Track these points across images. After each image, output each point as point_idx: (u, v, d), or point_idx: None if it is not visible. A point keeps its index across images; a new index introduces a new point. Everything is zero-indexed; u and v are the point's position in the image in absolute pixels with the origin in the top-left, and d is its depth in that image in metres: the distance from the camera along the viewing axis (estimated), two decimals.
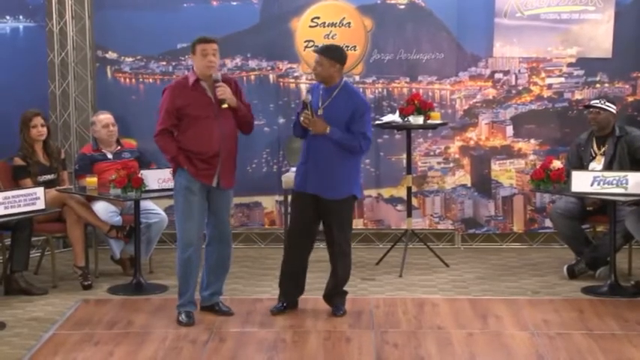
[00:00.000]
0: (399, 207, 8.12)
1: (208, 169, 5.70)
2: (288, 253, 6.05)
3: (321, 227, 5.99)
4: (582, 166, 7.01)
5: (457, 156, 8.18)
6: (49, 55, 8.07)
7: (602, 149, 7.02)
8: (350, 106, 5.77)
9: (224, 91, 5.66)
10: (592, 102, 7.10)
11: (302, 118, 5.75)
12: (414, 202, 7.97)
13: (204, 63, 5.65)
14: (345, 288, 6.09)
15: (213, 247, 5.92)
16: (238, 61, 8.15)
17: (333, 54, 5.82)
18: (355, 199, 5.94)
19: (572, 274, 6.99)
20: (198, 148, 5.67)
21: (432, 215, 8.22)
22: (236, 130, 5.83)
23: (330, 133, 5.73)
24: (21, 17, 7.85)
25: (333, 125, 5.73)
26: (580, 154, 7.13)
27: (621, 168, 6.82)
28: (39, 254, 7.50)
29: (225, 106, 5.66)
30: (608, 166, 6.91)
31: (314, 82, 6.07)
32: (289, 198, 7.33)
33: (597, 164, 7.00)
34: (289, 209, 6.16)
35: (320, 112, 5.78)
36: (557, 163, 6.76)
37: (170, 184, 6.75)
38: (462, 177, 8.19)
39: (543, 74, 8.04)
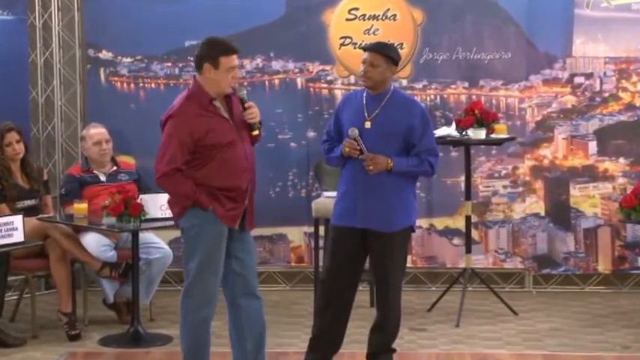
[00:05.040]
0: (456, 241, 8.09)
1: (235, 209, 5.38)
2: (325, 305, 5.87)
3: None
4: None
5: (528, 178, 8.14)
6: (30, 55, 8.13)
7: None
8: (407, 117, 5.72)
9: (256, 114, 5.41)
10: None
11: (346, 149, 5.66)
12: (475, 234, 7.94)
13: (229, 81, 5.33)
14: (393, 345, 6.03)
15: (241, 304, 5.49)
16: (259, 61, 8.17)
17: (390, 52, 5.78)
18: (412, 231, 5.91)
19: None
20: (227, 183, 5.33)
21: (496, 251, 8.17)
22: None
23: (395, 166, 5.67)
24: None
25: (384, 141, 5.67)
26: None
27: None
28: (16, 297, 7.51)
29: (255, 132, 5.41)
30: None
31: (356, 89, 6.01)
32: (321, 229, 7.35)
33: None
34: (326, 247, 5.97)
35: (368, 124, 5.75)
36: None
37: None
38: (534, 204, 8.15)
39: (635, 78, 7.99)
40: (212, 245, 5.36)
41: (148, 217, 6.64)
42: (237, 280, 5.52)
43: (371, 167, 5.64)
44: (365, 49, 5.84)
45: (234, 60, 5.32)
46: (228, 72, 5.31)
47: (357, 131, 5.65)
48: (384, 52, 5.74)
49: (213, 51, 5.31)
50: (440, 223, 8.18)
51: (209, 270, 5.37)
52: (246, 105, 5.40)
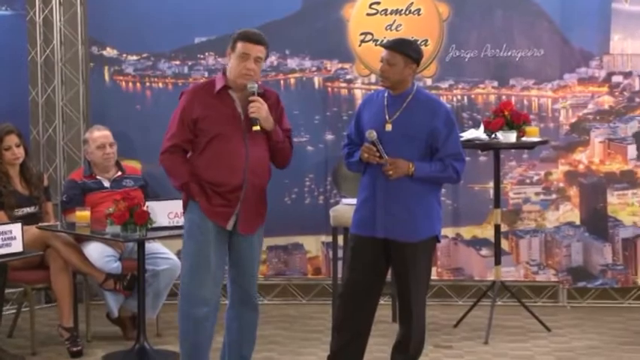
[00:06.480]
0: (484, 251, 8.09)
1: (225, 207, 5.55)
2: (344, 320, 5.85)
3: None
4: None
5: (562, 185, 8.13)
6: (29, 53, 8.15)
7: None
8: (430, 119, 5.69)
9: (259, 109, 5.51)
10: None
11: (365, 155, 5.65)
12: (505, 245, 7.93)
13: (240, 69, 5.51)
14: None
15: (236, 312, 5.71)
16: (274, 59, 8.17)
17: (408, 50, 5.76)
18: (437, 241, 5.89)
19: None
20: (214, 177, 5.53)
21: (528, 263, 8.16)
22: (268, 160, 5.70)
23: (416, 172, 5.65)
24: None
25: (405, 145, 5.65)
26: None
27: None
28: (14, 311, 7.53)
29: (256, 128, 5.51)
30: None
31: (378, 88, 6.00)
32: (340, 239, 7.33)
33: None
34: (345, 258, 5.98)
35: (388, 127, 5.72)
36: None
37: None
38: (569, 212, 8.14)
39: None
40: (202, 241, 5.55)
41: (154, 225, 6.63)
42: (234, 288, 5.69)
43: (391, 172, 5.61)
44: (382, 46, 5.84)
45: (249, 48, 5.49)
46: (241, 59, 5.50)
47: (374, 134, 5.63)
48: (401, 50, 5.72)
49: (236, 36, 5.57)
50: (467, 232, 8.18)
51: (201, 268, 5.55)
52: (250, 98, 5.54)
